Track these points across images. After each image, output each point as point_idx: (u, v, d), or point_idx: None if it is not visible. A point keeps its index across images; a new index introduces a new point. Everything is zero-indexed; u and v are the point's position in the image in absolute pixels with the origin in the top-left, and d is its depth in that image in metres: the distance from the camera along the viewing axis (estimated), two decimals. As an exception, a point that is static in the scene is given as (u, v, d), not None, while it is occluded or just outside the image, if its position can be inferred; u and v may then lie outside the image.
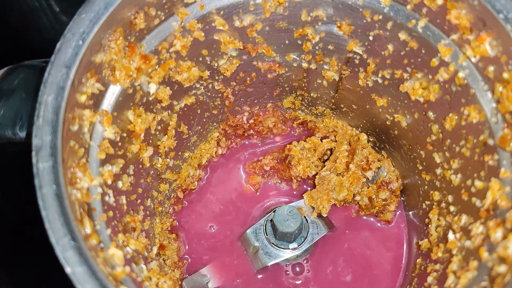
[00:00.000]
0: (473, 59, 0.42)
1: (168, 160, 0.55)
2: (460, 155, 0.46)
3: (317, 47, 0.53)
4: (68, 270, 0.33)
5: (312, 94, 0.60)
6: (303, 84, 0.59)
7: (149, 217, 0.52)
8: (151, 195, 0.54)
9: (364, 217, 0.60)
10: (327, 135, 0.63)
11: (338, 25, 0.49)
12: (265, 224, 0.57)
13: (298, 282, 0.58)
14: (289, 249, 0.56)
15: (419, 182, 0.55)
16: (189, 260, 0.59)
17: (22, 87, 0.48)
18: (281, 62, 0.55)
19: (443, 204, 0.50)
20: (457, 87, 0.44)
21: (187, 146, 0.59)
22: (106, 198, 0.42)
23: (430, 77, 0.47)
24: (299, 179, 0.60)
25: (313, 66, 0.55)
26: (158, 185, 0.55)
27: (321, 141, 0.60)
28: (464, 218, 0.45)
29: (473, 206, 0.43)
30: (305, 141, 0.60)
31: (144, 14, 0.42)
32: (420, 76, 0.48)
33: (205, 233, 0.60)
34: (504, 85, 0.40)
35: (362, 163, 0.57)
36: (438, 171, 0.51)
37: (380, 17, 0.46)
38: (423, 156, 0.53)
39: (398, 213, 0.60)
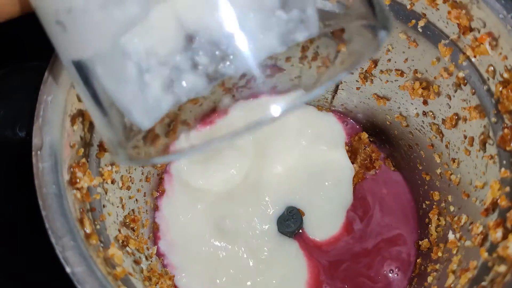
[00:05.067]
0: (473, 59, 0.42)
1: (168, 160, 0.55)
2: (460, 155, 0.46)
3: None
4: (68, 270, 0.33)
5: (311, 94, 0.60)
6: (303, 84, 0.59)
7: (149, 217, 0.52)
8: (151, 195, 0.54)
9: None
10: (327, 135, 0.63)
11: None
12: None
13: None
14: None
15: (419, 182, 0.55)
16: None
17: (22, 87, 0.49)
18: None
19: (443, 204, 0.50)
20: (457, 87, 0.44)
21: (187, 146, 0.59)
22: (106, 198, 0.42)
23: (430, 77, 0.47)
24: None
25: (313, 66, 0.55)
26: (158, 184, 0.55)
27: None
28: (464, 218, 0.45)
29: (473, 206, 0.43)
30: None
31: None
32: (420, 76, 0.48)
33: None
34: (504, 85, 0.40)
35: (365, 161, 0.57)
36: (438, 171, 0.51)
37: (380, 17, 0.46)
38: (423, 156, 0.53)
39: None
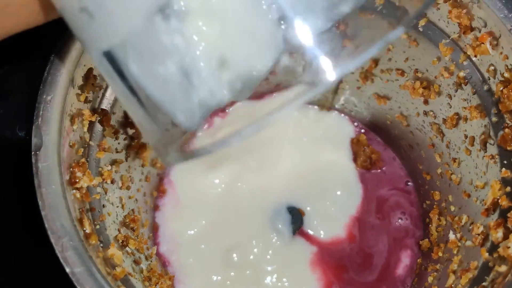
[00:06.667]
0: (473, 59, 0.42)
1: (168, 160, 0.55)
2: (461, 155, 0.46)
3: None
4: (67, 270, 0.33)
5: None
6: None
7: (149, 217, 0.52)
8: (151, 195, 0.54)
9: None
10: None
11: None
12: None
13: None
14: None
15: (419, 182, 0.55)
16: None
17: (22, 87, 0.48)
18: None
19: (443, 204, 0.50)
20: (457, 86, 0.44)
21: (187, 146, 0.59)
22: (106, 198, 0.42)
23: (431, 76, 0.47)
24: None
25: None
26: (158, 184, 0.55)
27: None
28: (464, 218, 0.45)
29: (474, 206, 0.43)
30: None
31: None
32: (421, 75, 0.48)
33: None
34: (504, 85, 0.40)
35: (366, 163, 0.57)
36: (439, 171, 0.51)
37: (381, 16, 0.46)
38: (424, 156, 0.53)
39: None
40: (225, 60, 0.23)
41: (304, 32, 0.23)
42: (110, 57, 0.25)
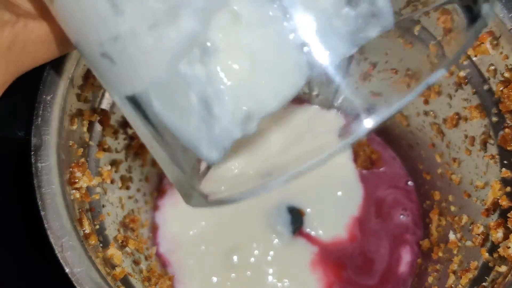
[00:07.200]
0: (474, 58, 0.42)
1: (168, 160, 0.55)
2: (461, 155, 0.46)
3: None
4: (67, 270, 0.33)
5: (312, 94, 0.60)
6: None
7: (148, 217, 0.52)
8: (151, 195, 0.54)
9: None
10: (328, 135, 0.63)
11: None
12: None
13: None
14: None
15: (419, 182, 0.55)
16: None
17: (22, 87, 0.48)
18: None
19: (443, 204, 0.50)
20: (458, 86, 0.44)
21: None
22: (105, 198, 0.42)
23: (431, 76, 0.47)
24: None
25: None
26: (158, 184, 0.55)
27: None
28: (465, 218, 0.45)
29: (474, 206, 0.43)
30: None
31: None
32: (421, 75, 0.48)
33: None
34: (505, 85, 0.40)
35: (366, 163, 0.57)
36: (439, 171, 0.51)
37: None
38: (424, 156, 0.53)
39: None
40: (251, 92, 0.22)
41: (329, 57, 0.22)
42: (133, 101, 0.24)
